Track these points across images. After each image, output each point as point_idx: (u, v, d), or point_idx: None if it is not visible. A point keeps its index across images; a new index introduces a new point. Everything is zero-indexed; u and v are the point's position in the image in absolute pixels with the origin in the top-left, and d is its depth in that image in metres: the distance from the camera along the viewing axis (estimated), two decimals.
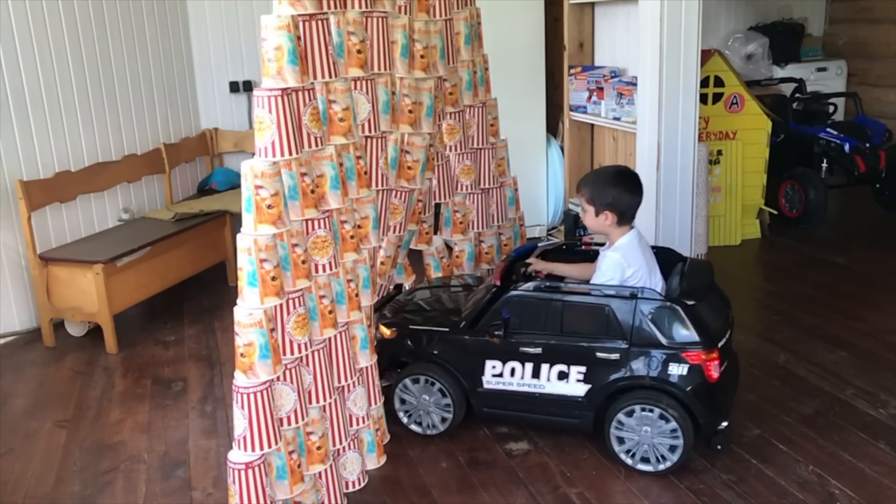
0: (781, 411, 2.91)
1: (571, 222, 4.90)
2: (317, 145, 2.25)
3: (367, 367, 2.59)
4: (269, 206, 2.06)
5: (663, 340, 2.48)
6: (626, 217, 2.68)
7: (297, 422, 2.24)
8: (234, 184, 5.00)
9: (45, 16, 4.03)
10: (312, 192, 2.24)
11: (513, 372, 2.68)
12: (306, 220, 2.25)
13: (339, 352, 2.42)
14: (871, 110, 5.74)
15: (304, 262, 2.21)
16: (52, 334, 3.85)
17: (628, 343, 2.52)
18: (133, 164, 4.58)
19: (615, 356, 2.53)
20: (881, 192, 5.30)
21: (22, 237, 3.85)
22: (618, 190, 2.66)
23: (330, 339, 2.38)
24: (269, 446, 2.12)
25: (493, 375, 2.70)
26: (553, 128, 5.37)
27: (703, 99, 4.49)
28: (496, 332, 2.63)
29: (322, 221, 2.28)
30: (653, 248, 2.81)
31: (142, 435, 2.99)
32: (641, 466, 2.57)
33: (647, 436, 2.53)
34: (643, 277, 2.63)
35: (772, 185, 4.97)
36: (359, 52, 2.43)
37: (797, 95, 5.52)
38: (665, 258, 2.84)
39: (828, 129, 5.12)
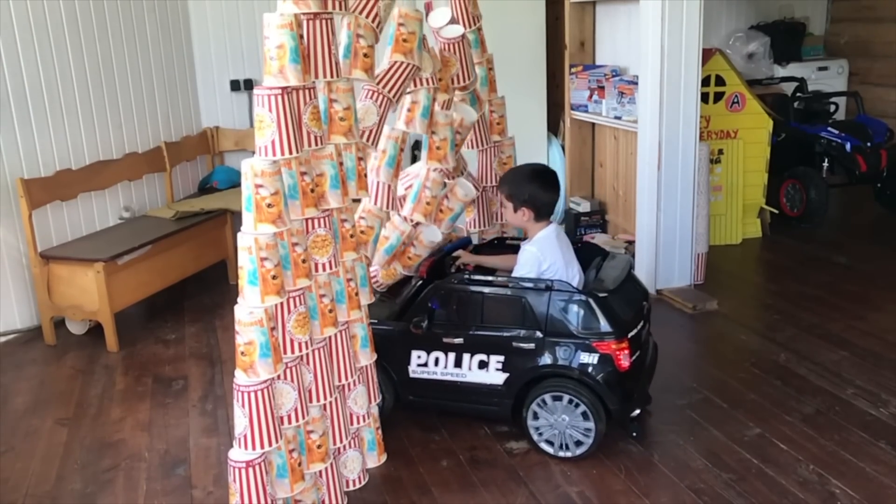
0: (782, 410, 2.91)
1: (572, 221, 4.94)
2: (317, 144, 2.25)
3: (367, 366, 2.59)
4: (270, 205, 2.06)
5: (575, 330, 2.57)
6: (542, 213, 2.81)
7: (297, 420, 2.24)
8: (234, 182, 5.00)
9: (46, 14, 4.03)
10: (312, 191, 2.24)
11: (437, 361, 2.75)
12: (306, 219, 2.25)
13: (339, 350, 2.42)
14: (873, 109, 5.74)
15: (304, 260, 2.21)
16: (52, 332, 3.85)
17: (543, 333, 2.60)
18: (134, 163, 4.58)
19: (531, 346, 2.62)
20: (882, 192, 5.31)
21: (23, 235, 3.85)
22: (533, 187, 2.79)
23: (330, 337, 2.38)
24: (270, 445, 2.12)
25: (419, 365, 2.78)
26: (554, 127, 5.37)
27: (705, 98, 4.49)
28: (420, 324, 2.70)
29: (322, 220, 2.28)
30: (577, 244, 2.98)
31: (142, 433, 2.99)
32: (561, 453, 2.65)
33: (561, 423, 2.62)
34: (559, 270, 2.73)
35: (773, 185, 4.97)
36: (365, 55, 2.43)
37: (798, 94, 5.52)
38: (589, 254, 2.98)
39: (829, 129, 5.12)
